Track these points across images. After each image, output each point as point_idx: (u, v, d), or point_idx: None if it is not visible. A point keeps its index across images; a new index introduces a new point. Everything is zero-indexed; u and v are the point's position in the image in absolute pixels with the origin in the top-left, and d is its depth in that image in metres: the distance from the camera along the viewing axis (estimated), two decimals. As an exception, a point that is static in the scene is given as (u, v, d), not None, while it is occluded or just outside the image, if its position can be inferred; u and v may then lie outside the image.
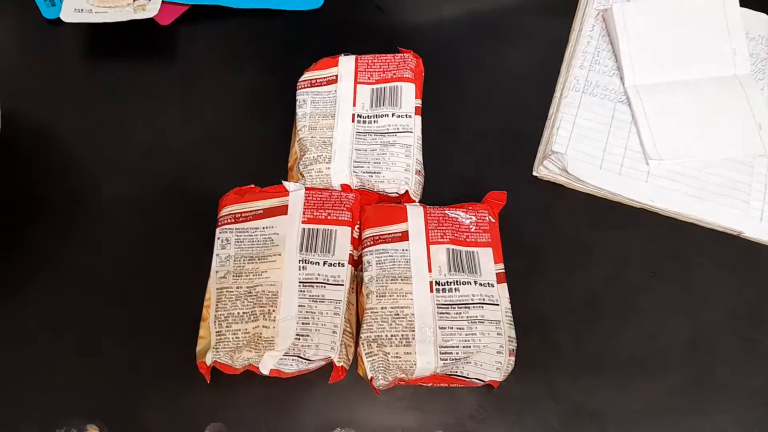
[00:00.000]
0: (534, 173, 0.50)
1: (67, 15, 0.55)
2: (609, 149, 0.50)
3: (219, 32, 0.56)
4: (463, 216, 0.45)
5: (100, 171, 0.50)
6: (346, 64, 0.51)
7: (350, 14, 0.57)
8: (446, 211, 0.45)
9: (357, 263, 0.44)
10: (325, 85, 0.50)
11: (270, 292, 0.41)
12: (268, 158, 0.50)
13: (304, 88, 0.51)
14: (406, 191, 0.46)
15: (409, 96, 0.49)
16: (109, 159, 0.50)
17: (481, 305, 0.41)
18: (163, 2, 0.55)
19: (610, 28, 0.55)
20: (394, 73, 0.50)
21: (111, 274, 0.46)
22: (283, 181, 0.46)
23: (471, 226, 0.45)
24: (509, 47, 0.56)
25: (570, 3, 0.58)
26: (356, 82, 0.50)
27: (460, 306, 0.41)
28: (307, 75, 0.51)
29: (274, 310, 0.41)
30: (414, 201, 0.47)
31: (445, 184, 0.49)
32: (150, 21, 0.55)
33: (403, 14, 0.58)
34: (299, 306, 0.41)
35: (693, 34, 0.53)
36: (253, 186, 0.47)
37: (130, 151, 0.51)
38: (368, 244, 0.44)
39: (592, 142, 0.50)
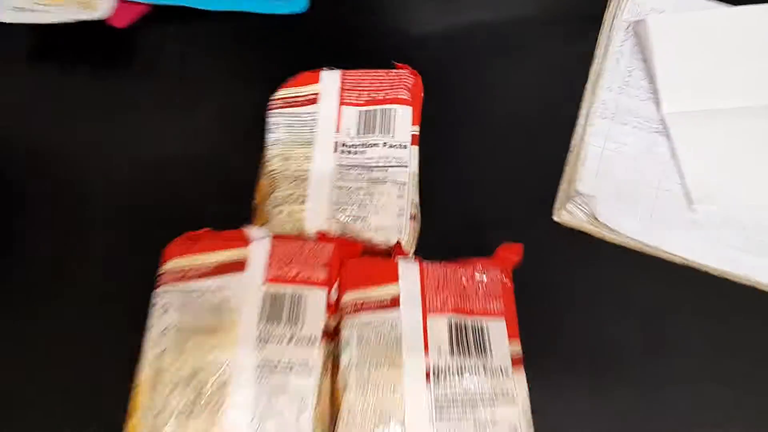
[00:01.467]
0: (554, 218, 0.45)
1: (6, 14, 0.52)
2: (643, 191, 0.45)
3: (186, 39, 0.52)
4: (469, 276, 0.38)
5: (47, 188, 0.46)
6: (329, 80, 0.47)
7: (338, 20, 0.53)
8: (448, 269, 0.38)
9: (333, 334, 0.37)
10: (302, 105, 0.46)
11: (218, 380, 0.34)
12: (234, 192, 0.44)
13: (278, 108, 0.46)
14: (398, 242, 0.41)
15: (404, 121, 0.45)
16: (54, 173, 0.46)
17: (492, 402, 0.33)
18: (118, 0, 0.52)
19: (644, 44, 0.50)
20: (388, 93, 0.46)
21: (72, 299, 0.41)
22: (244, 227, 0.40)
23: (479, 289, 0.37)
24: (525, 64, 0.51)
25: (596, 13, 0.53)
26: (341, 103, 0.46)
27: (464, 404, 0.33)
28: (281, 93, 0.47)
29: (222, 404, 0.33)
30: (407, 254, 0.41)
31: (445, 231, 0.43)
32: (104, 24, 0.51)
33: (401, 23, 0.53)
34: (255, 399, 0.33)
35: (744, 52, 0.48)
36: (207, 229, 0.40)
37: (74, 168, 0.47)
38: (348, 311, 0.36)
39: (622, 183, 0.45)
